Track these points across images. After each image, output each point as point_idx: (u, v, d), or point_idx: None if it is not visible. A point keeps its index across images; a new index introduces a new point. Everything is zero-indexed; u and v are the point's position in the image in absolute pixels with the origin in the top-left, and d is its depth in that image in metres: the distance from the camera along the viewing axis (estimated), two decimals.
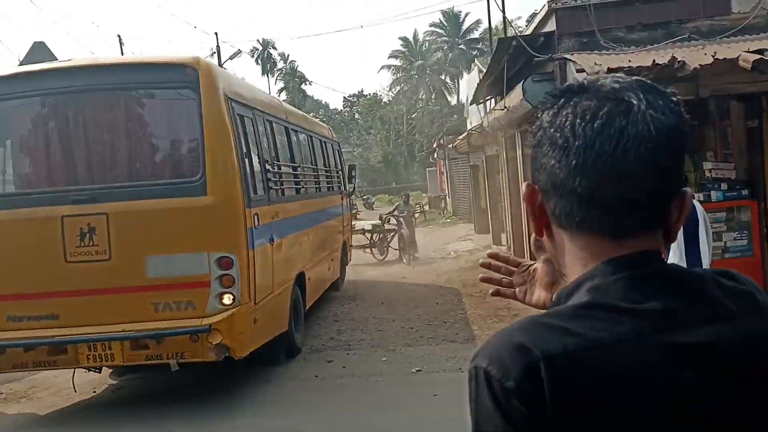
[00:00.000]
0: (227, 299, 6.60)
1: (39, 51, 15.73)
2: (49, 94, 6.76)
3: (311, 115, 18.15)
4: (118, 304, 6.59)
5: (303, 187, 9.93)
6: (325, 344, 9.39)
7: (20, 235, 6.62)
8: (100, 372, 7.70)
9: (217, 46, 35.13)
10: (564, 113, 1.04)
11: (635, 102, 1.01)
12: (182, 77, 6.65)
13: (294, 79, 72.02)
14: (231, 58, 35.41)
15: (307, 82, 78.48)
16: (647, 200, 1.02)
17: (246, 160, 7.06)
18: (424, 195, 40.38)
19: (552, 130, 1.04)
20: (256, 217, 7.11)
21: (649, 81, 1.06)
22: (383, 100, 61.17)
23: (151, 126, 6.66)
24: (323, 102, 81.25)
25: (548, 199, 1.07)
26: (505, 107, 11.58)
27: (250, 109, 7.68)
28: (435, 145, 33.87)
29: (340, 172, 13.81)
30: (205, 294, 6.57)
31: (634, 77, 1.07)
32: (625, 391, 0.95)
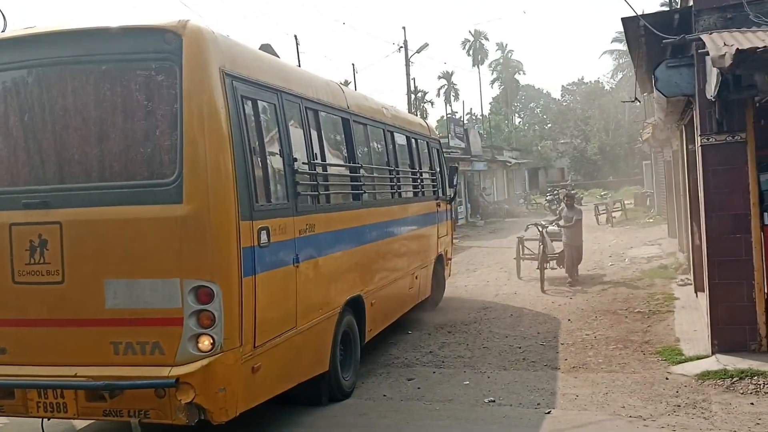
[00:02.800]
0: (204, 343, 4.92)
1: None
2: None
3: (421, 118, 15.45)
4: (72, 341, 5.10)
5: (366, 192, 8.08)
6: (420, 358, 8.72)
7: None
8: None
9: (404, 41, 33.66)
10: None
11: None
12: (161, 45, 5.03)
13: (507, 69, 70.23)
14: (418, 51, 33.98)
15: (521, 72, 76.28)
16: None
17: (252, 157, 5.34)
18: (634, 191, 38.26)
19: None
20: (261, 232, 5.37)
21: None
22: (604, 88, 57.87)
23: (121, 110, 5.09)
24: (544, 91, 78.64)
25: None
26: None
27: (272, 91, 5.95)
28: (642, 138, 30.15)
29: (437, 175, 11.84)
30: (176, 334, 4.92)
31: None
32: None
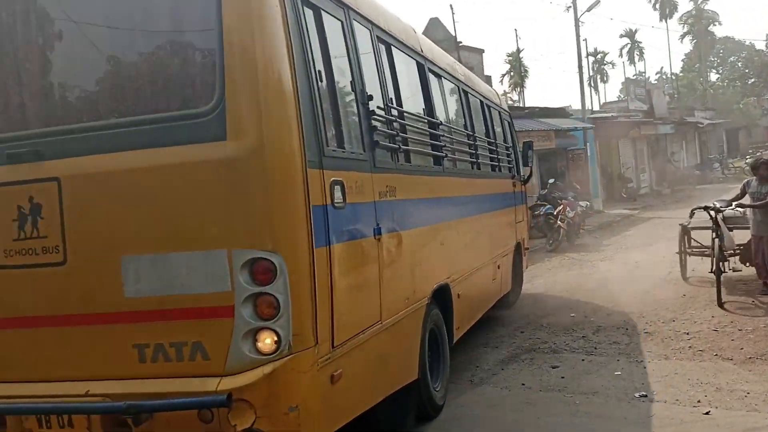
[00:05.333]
0: (265, 342, 3.40)
1: None
2: None
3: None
4: (81, 346, 3.63)
5: (448, 157, 6.52)
6: (571, 344, 7.75)
7: None
8: None
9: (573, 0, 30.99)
10: None
11: None
12: None
13: (700, 21, 67.25)
14: (588, 10, 31.29)
15: (716, 23, 72.20)
16: None
17: (317, 83, 3.83)
18: None
19: None
20: (335, 188, 3.86)
21: None
22: None
23: (137, 13, 3.62)
24: (746, 42, 74.06)
25: None
26: None
27: (338, 5, 4.44)
28: None
29: (510, 151, 10.23)
30: (226, 330, 3.40)
31: None
32: None
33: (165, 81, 3.59)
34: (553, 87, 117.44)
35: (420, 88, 6.20)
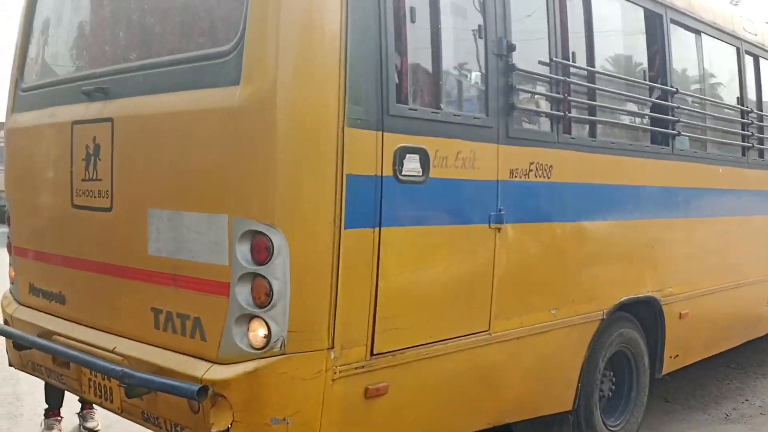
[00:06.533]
0: (258, 333, 2.79)
1: None
2: None
3: None
4: (115, 298, 3.42)
5: (684, 135, 4.98)
6: None
7: (31, 152, 3.97)
8: None
9: None
10: None
11: None
12: None
13: None
14: None
15: None
16: None
17: (394, 23, 3.00)
18: None
19: None
20: (406, 155, 3.03)
21: None
22: None
23: None
24: None
25: None
26: None
27: None
28: None
29: None
30: (221, 311, 2.87)
31: None
32: None
33: (194, 15, 3.11)
34: None
35: (647, 43, 4.80)
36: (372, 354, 2.99)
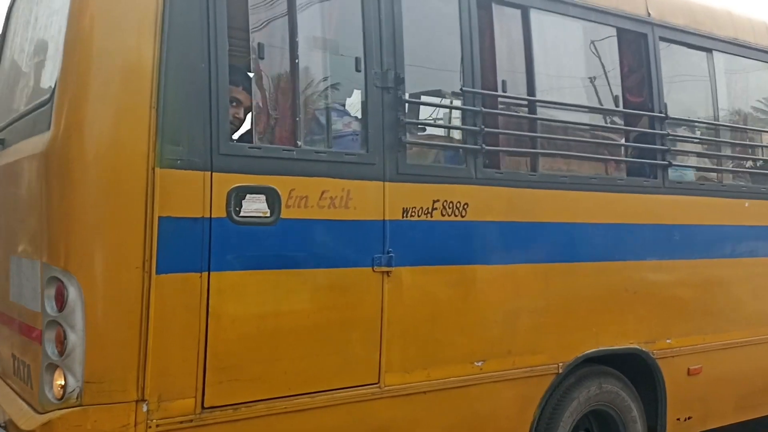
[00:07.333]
0: (57, 383, 2.68)
1: None
2: None
3: None
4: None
5: (679, 167, 4.36)
6: None
7: None
8: None
9: None
10: None
11: None
12: None
13: None
14: None
15: None
16: None
17: (226, 55, 2.84)
18: None
19: None
20: (246, 195, 2.84)
21: None
22: None
23: None
24: None
25: None
26: None
27: None
28: None
29: None
30: (38, 358, 2.79)
31: None
32: None
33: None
34: None
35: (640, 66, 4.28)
36: (203, 408, 2.78)
